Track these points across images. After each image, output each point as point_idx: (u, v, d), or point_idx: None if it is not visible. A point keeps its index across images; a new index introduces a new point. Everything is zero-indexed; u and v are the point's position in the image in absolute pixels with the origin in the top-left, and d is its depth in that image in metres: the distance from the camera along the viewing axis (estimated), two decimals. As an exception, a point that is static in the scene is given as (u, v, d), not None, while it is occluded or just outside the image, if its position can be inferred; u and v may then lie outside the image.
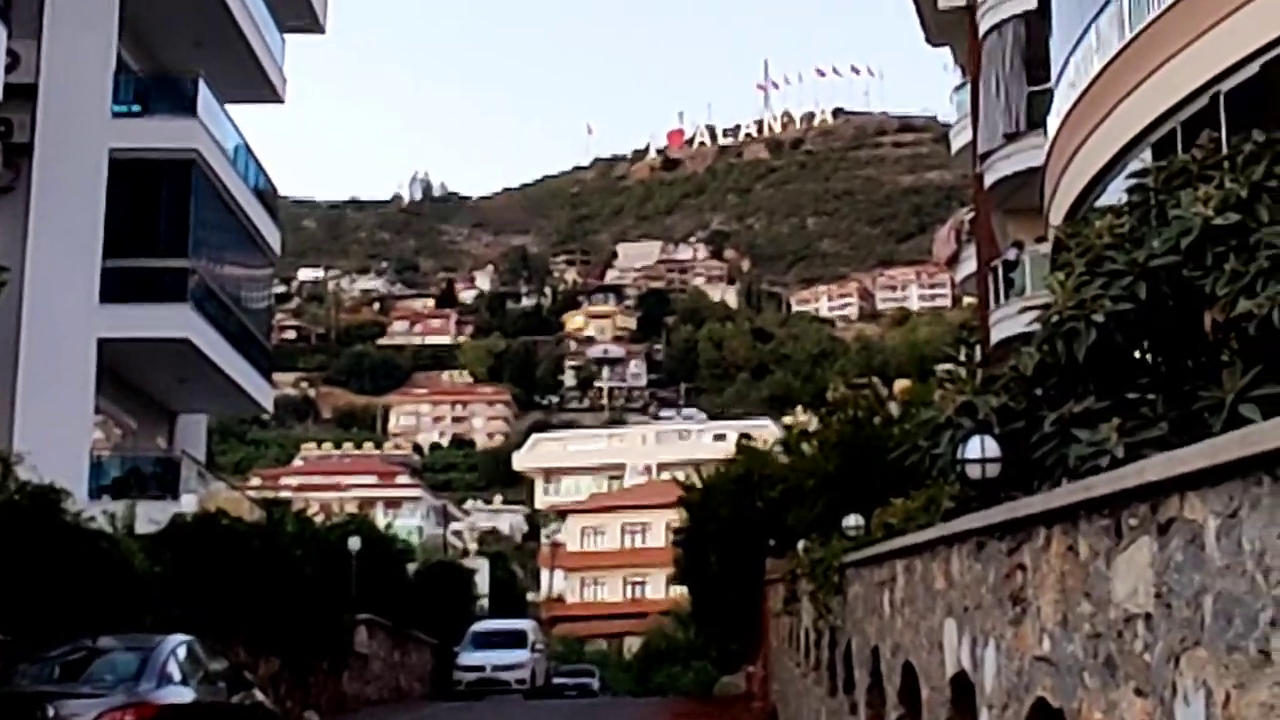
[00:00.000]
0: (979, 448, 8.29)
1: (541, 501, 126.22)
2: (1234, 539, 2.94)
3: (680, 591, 42.27)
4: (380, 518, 67.89)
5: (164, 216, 29.81)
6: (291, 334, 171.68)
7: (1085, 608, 4.14)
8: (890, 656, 9.27)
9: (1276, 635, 2.76)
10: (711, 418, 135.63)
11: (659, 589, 75.45)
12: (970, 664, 6.32)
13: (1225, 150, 8.24)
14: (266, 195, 36.32)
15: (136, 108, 30.41)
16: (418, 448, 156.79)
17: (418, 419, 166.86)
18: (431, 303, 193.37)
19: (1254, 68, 16.90)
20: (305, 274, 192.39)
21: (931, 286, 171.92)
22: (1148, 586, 3.54)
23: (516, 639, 43.47)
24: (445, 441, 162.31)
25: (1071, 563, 4.31)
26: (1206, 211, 7.33)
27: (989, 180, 30.03)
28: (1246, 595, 2.89)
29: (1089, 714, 4.15)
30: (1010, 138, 28.84)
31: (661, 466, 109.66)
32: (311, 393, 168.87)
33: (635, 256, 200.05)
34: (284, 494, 66.13)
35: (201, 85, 31.50)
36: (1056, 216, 22.33)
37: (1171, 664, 3.36)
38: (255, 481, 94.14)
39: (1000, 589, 5.46)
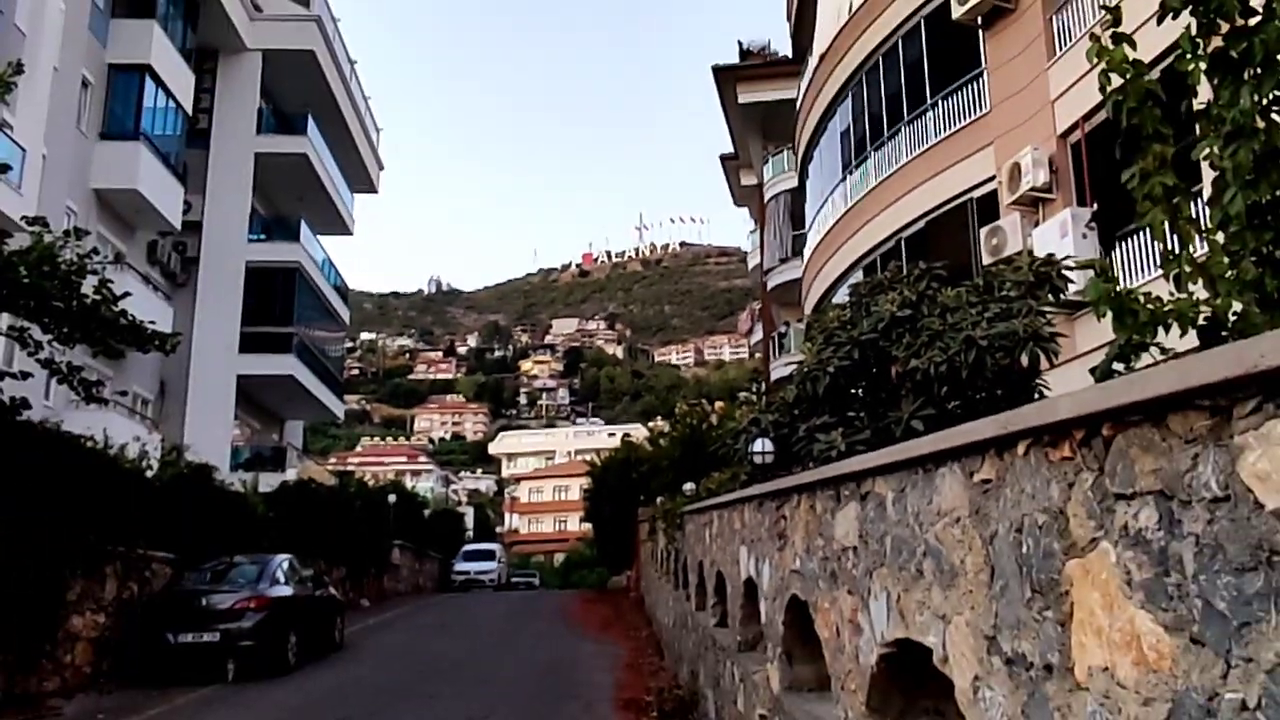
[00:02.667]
0: (761, 445, 8.37)
1: (505, 472, 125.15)
2: (902, 505, 2.99)
3: (588, 526, 41.93)
4: (408, 482, 66.85)
5: (278, 301, 29.40)
6: (355, 371, 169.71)
7: (819, 542, 4.17)
8: (709, 568, 9.26)
9: (926, 562, 2.81)
10: (607, 423, 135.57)
11: (575, 524, 75.03)
12: (755, 573, 6.34)
13: (905, 272, 8.41)
14: (341, 288, 36.00)
15: (262, 236, 30.01)
16: (431, 440, 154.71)
17: (431, 423, 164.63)
18: (440, 354, 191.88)
19: (921, 224, 17.29)
20: (364, 336, 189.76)
21: (737, 347, 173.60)
22: (855, 530, 3.58)
23: (489, 555, 43.25)
24: (448, 436, 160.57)
25: (812, 515, 4.34)
26: (892, 308, 7.47)
27: (770, 285, 30.35)
28: (909, 538, 2.94)
29: (821, 605, 4.18)
30: (782, 261, 29.21)
31: (577, 452, 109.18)
32: (367, 407, 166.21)
33: (562, 328, 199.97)
34: (349, 468, 65.05)
35: (302, 223, 31.26)
36: (808, 308, 22.62)
37: (868, 577, 3.40)
38: (332, 460, 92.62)
39: (772, 529, 5.49)
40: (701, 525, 10.06)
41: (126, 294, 13.03)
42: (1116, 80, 3.86)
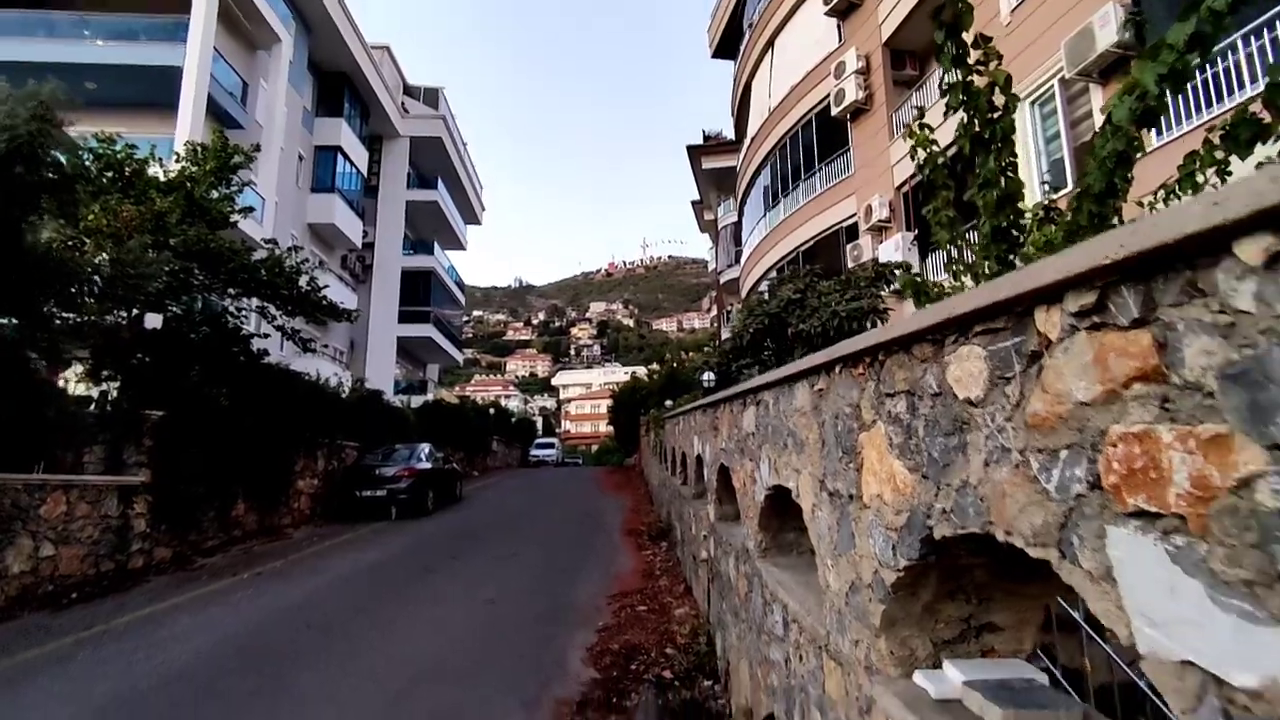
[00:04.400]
0: (707, 376, 8.44)
1: (561, 395, 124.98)
2: (779, 406, 3.05)
3: (611, 428, 42.04)
4: (502, 402, 66.89)
5: (420, 291, 29.26)
6: (469, 334, 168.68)
7: (735, 431, 4.23)
8: (678, 450, 9.34)
9: (789, 439, 2.87)
10: (623, 366, 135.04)
11: (603, 427, 75.11)
12: (701, 452, 6.40)
13: (799, 272, 8.41)
14: (459, 282, 35.62)
15: (411, 251, 29.75)
16: (517, 376, 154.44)
17: (517, 366, 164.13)
18: (522, 324, 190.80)
19: (811, 243, 17.13)
20: (475, 312, 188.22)
21: (703, 318, 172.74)
22: (753, 423, 3.64)
23: (551, 445, 43.26)
24: (527, 374, 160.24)
25: (730, 415, 4.40)
26: (789, 294, 7.48)
27: (721, 281, 30.12)
28: (779, 425, 3.01)
29: (735, 468, 4.26)
30: (728, 266, 28.96)
31: (605, 383, 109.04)
32: (477, 357, 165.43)
33: (597, 308, 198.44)
34: (466, 394, 65.08)
35: (435, 243, 30.98)
36: (743, 293, 22.48)
37: (760, 449, 3.47)
38: (455, 389, 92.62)
39: (710, 425, 5.55)
40: (674, 425, 10.14)
41: (327, 286, 13.01)
42: (922, 153, 3.88)
